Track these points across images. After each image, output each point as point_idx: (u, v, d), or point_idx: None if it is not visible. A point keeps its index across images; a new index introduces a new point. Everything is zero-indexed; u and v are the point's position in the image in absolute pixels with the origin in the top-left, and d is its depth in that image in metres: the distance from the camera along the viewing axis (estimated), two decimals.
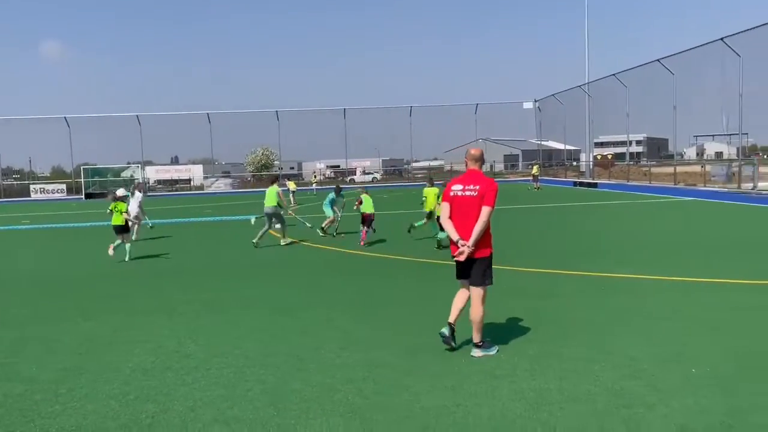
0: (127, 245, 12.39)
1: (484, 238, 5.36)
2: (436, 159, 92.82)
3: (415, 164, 69.67)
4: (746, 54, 25.60)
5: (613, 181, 38.49)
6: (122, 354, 5.90)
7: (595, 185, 36.49)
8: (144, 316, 7.47)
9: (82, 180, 47.65)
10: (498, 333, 6.11)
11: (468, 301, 5.56)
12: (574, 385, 4.67)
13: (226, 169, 75.01)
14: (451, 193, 5.49)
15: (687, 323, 6.28)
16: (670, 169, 35.02)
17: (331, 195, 16.17)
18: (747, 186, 26.25)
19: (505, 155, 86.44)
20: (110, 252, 12.20)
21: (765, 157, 52.95)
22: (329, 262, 11.30)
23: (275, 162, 60.81)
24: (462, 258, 5.31)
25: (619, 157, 54.43)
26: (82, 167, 49.64)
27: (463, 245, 5.29)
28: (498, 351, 5.54)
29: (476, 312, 5.44)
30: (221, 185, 52.98)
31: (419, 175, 59.13)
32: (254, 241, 13.71)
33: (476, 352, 5.49)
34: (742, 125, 26.76)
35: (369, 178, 61.09)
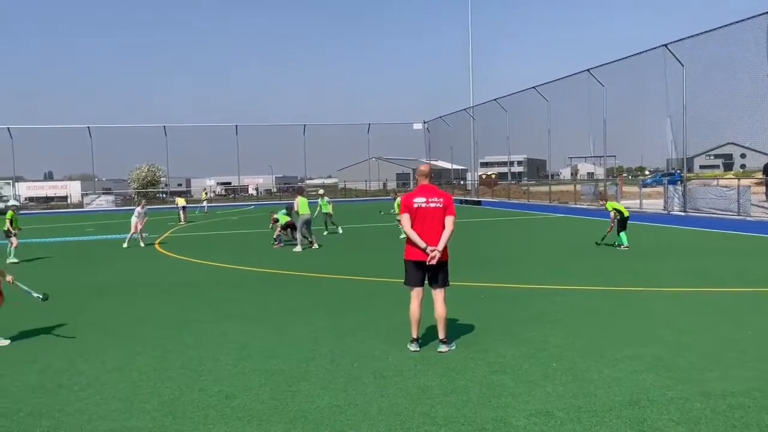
0: (11, 248, 14.72)
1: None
2: (330, 176, 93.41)
3: (309, 181, 69.77)
4: (609, 84, 28.32)
5: (495, 199, 40.77)
6: (8, 374, 5.76)
7: (479, 203, 38.53)
8: (28, 336, 7.23)
9: None
10: (388, 338, 6.59)
11: (421, 309, 6.15)
12: (453, 381, 5.21)
13: (108, 185, 71.24)
14: (415, 205, 6.03)
15: (551, 325, 7.07)
16: (547, 188, 37.71)
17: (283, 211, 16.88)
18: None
19: (397, 173, 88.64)
20: None
21: (629, 177, 58.20)
22: (218, 278, 11.34)
23: (162, 178, 58.62)
24: (434, 262, 5.91)
25: (502, 176, 57.61)
26: None
27: (432, 250, 5.89)
28: (455, 347, 6.15)
29: (444, 310, 6.11)
30: (102, 202, 50.21)
31: (313, 192, 59.33)
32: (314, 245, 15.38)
33: (443, 348, 6.06)
34: (606, 148, 29.47)
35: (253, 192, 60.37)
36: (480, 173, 51.38)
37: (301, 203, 15.45)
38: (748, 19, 19.64)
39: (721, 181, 29.60)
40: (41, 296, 7.47)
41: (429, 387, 5.10)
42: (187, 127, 53.69)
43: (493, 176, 56.31)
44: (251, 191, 68.28)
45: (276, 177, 76.41)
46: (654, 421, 4.24)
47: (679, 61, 22.78)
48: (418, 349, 6.15)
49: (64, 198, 55.17)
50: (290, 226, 16.29)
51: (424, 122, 56.20)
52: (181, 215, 28.11)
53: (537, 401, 4.70)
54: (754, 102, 20.04)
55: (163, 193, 59.00)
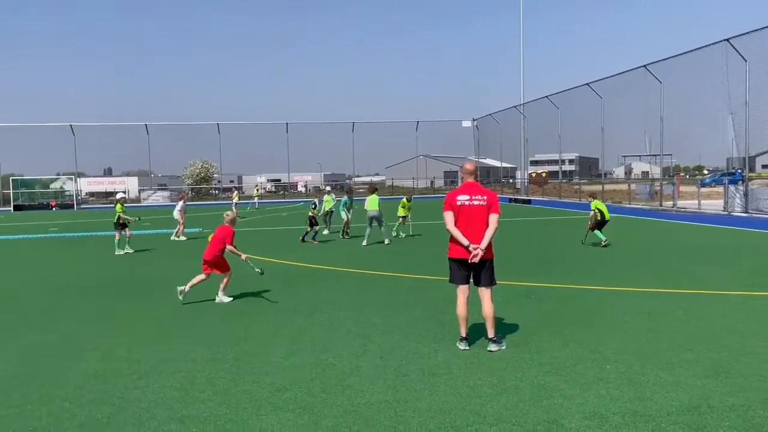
0: (125, 239, 15.36)
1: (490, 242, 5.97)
2: (377, 174, 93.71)
3: (357, 179, 70.18)
4: (667, 80, 27.45)
5: (546, 198, 40.12)
6: (71, 361, 6.02)
7: (528, 201, 37.94)
8: (91, 325, 7.55)
9: (11, 191, 45.72)
10: (438, 336, 6.57)
11: (468, 307, 6.12)
12: (503, 381, 5.16)
13: (163, 181, 73.42)
14: (458, 203, 6.03)
15: (604, 327, 6.91)
16: (600, 187, 36.84)
17: (345, 199, 17.87)
18: (668, 204, 28.01)
19: (444, 172, 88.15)
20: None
21: (686, 176, 56.31)
22: (269, 272, 11.52)
23: (215, 175, 60.02)
24: (477, 260, 5.88)
25: (553, 175, 56.59)
26: (10, 178, 47.62)
27: (475, 248, 5.86)
28: (505, 347, 6.08)
29: (491, 309, 6.06)
30: (158, 198, 51.83)
31: (361, 190, 59.67)
32: (364, 244, 15.73)
33: (493, 347, 6.01)
34: (662, 147, 28.59)
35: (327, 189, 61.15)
36: (530, 171, 50.60)
37: (371, 201, 16.39)
38: None
39: None
40: (260, 271, 9.23)
41: (479, 386, 5.06)
42: (240, 125, 54.84)
43: (544, 175, 55.40)
44: (300, 188, 69.12)
45: (324, 174, 77.18)
46: (714, 428, 4.10)
47: (742, 57, 21.89)
48: (467, 347, 6.11)
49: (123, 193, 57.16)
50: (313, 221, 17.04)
51: (473, 120, 55.74)
52: (234, 211, 28.71)
53: (590, 404, 4.60)
54: None
55: (215, 189, 60.42)
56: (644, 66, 28.37)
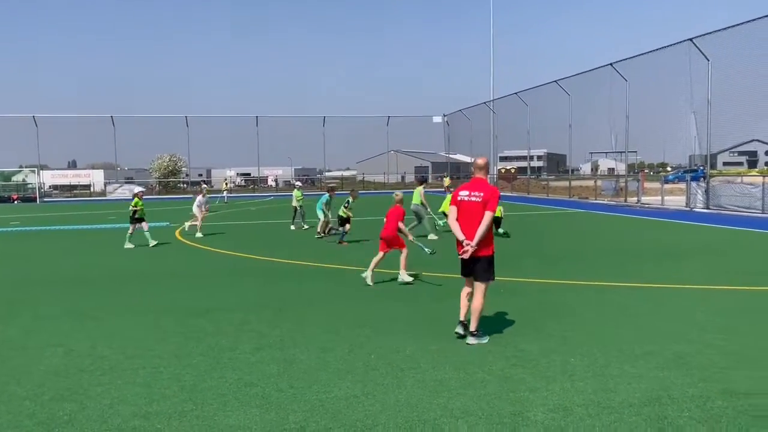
0: (146, 233, 15.20)
1: (487, 239, 6.02)
2: (348, 169, 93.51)
3: (328, 173, 69.92)
4: (632, 79, 27.96)
5: (514, 194, 40.56)
6: (33, 358, 5.87)
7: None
8: (53, 320, 7.37)
9: None
10: (407, 331, 6.60)
11: (471, 297, 6.21)
12: (470, 374, 5.21)
13: (130, 174, 72.07)
14: (459, 198, 6.15)
15: (570, 321, 7.02)
16: (567, 183, 37.40)
17: (325, 197, 17.04)
18: (632, 200, 28.57)
19: (415, 167, 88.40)
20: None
21: (651, 173, 57.51)
22: (238, 267, 11.42)
23: (183, 168, 59.15)
24: (466, 256, 5.98)
25: (522, 171, 57.26)
26: None
27: (467, 244, 5.94)
28: (488, 341, 6.15)
29: (478, 303, 6.10)
30: (125, 191, 50.85)
31: (332, 185, 59.51)
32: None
33: (471, 340, 6.07)
34: (628, 144, 29.13)
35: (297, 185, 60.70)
36: (499, 167, 51.05)
37: (415, 193, 16.26)
38: None
39: (745, 179, 29.14)
40: (431, 251, 9.70)
41: (446, 380, 5.09)
42: (209, 117, 54.16)
43: (513, 171, 55.96)
44: (270, 182, 68.60)
45: (295, 168, 76.73)
46: (674, 419, 4.20)
47: (705, 56, 22.41)
48: (462, 332, 6.20)
49: (87, 186, 55.86)
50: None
51: (444, 115, 56.00)
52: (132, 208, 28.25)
53: (555, 396, 4.67)
54: None
55: (184, 182, 59.56)
56: (611, 64, 28.84)
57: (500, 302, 8.06)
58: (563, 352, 5.79)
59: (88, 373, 5.41)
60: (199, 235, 17.28)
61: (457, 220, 6.11)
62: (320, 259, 12.20)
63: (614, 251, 13.10)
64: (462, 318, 6.35)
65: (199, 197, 18.01)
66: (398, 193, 10.04)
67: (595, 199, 31.72)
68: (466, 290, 6.34)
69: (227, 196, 38.54)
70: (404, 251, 9.60)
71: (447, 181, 38.43)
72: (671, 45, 24.83)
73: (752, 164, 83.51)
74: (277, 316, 7.47)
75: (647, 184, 32.69)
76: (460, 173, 66.91)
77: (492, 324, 6.86)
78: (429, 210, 16.20)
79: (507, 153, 65.32)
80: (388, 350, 5.95)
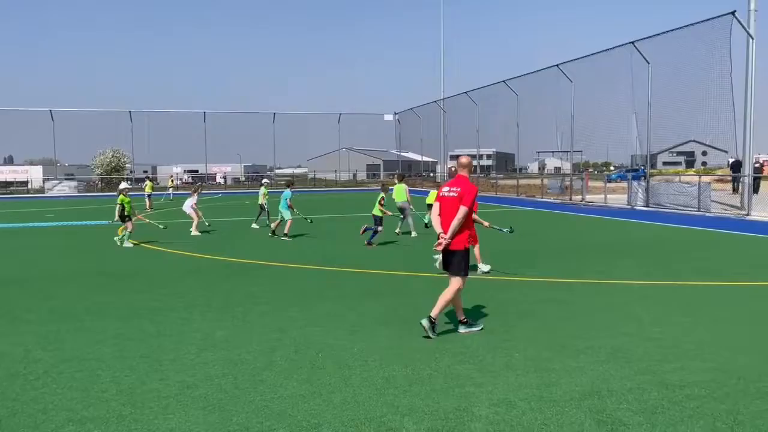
0: (126, 233, 14.37)
1: (462, 234, 6.20)
2: (300, 166, 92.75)
3: (278, 171, 69.17)
4: (577, 80, 28.69)
5: None
6: None
7: None
8: None
9: None
10: (355, 329, 6.58)
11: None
12: (417, 371, 5.23)
13: (70, 171, 69.55)
14: (441, 194, 6.41)
15: (516, 316, 7.14)
16: (515, 182, 38.12)
17: (287, 193, 15.60)
18: (577, 198, 29.35)
19: (367, 165, 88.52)
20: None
21: (595, 172, 59.19)
22: (182, 266, 11.16)
23: (127, 165, 57.40)
24: (440, 248, 6.24)
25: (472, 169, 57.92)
26: None
27: (442, 237, 6.17)
28: (482, 328, 6.45)
29: (448, 293, 6.28)
30: (65, 188, 49.01)
31: (282, 182, 58.92)
32: (398, 231, 15.68)
33: (425, 322, 6.21)
34: (573, 143, 29.90)
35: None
36: (449, 166, 51.63)
37: (398, 190, 15.76)
38: (711, 19, 20.08)
39: (683, 178, 30.35)
40: (509, 230, 10.47)
41: (394, 377, 5.10)
42: (155, 113, 52.69)
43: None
44: (219, 179, 67.36)
45: (245, 165, 75.58)
46: (613, 411, 4.32)
47: (645, 59, 23.20)
48: (467, 330, 6.38)
49: (25, 183, 53.63)
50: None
51: (395, 113, 56.19)
52: (147, 202, 27.59)
53: (499, 391, 4.74)
54: (716, 101, 20.53)
55: (128, 179, 57.81)
56: (557, 65, 29.51)
57: None
58: (508, 347, 5.88)
59: (20, 377, 5.17)
60: (195, 233, 16.64)
61: (438, 215, 6.35)
62: (270, 257, 12.05)
63: (559, 248, 13.42)
64: (461, 318, 6.47)
65: (195, 196, 17.65)
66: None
67: (542, 198, 32.44)
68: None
69: (173, 193, 37.64)
70: (476, 245, 10.02)
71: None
72: (614, 48, 25.60)
73: (690, 164, 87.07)
74: (222, 315, 7.33)
75: (591, 183, 33.68)
76: (411, 171, 67.31)
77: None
78: (412, 207, 16.10)
79: (457, 152, 66.11)
80: (336, 348, 5.91)
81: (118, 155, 56.74)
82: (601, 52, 26.58)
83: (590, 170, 54.89)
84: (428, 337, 6.17)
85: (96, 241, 15.92)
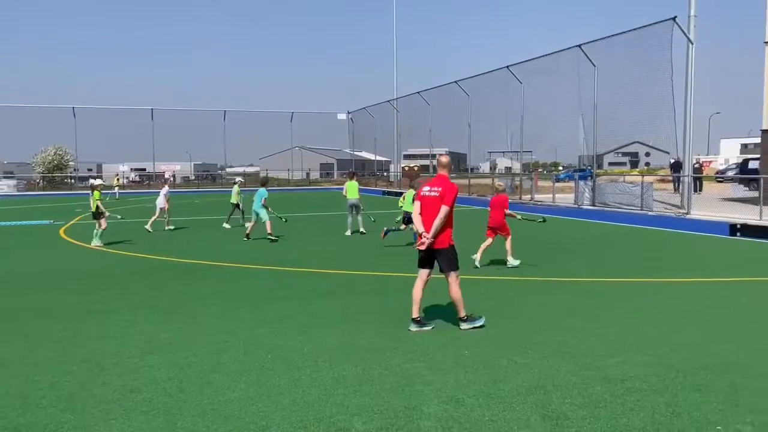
0: (99, 231, 13.81)
1: (444, 232, 6.30)
2: (252, 165, 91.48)
3: (229, 169, 68.04)
4: (527, 82, 29.23)
5: None
6: None
7: (401, 194, 38.90)
8: None
9: None
10: (306, 329, 6.52)
11: (424, 291, 6.53)
12: (367, 371, 5.22)
13: (9, 169, 66.72)
14: (422, 193, 6.49)
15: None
16: (467, 181, 38.59)
17: (262, 191, 14.75)
18: (527, 197, 29.93)
19: (321, 163, 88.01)
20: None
21: (544, 172, 60.52)
22: (128, 267, 10.86)
23: (70, 163, 55.39)
24: (423, 247, 6.31)
25: (425, 169, 58.42)
26: None
27: (424, 236, 6.24)
28: (483, 323, 6.49)
29: (455, 292, 6.39)
30: (4, 187, 46.95)
31: (234, 181, 58.02)
32: (349, 229, 15.63)
33: (464, 326, 6.41)
34: (523, 144, 30.47)
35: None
36: (403, 165, 51.87)
37: (350, 187, 15.72)
38: (653, 24, 20.78)
39: (627, 178, 31.33)
40: (542, 219, 11.75)
41: (344, 377, 5.08)
42: (99, 109, 51.01)
43: (416, 168, 57.04)
44: (167, 178, 65.78)
45: (195, 164, 74.04)
46: (558, 405, 4.41)
47: (592, 62, 23.82)
48: (418, 329, 6.37)
49: None
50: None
51: (348, 113, 56.05)
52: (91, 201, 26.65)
53: (448, 388, 4.78)
54: (658, 103, 21.26)
55: (71, 178, 55.85)
56: (507, 67, 29.99)
57: (397, 298, 8.16)
58: (457, 345, 5.93)
59: None
60: (169, 228, 16.76)
61: (420, 214, 6.40)
62: (221, 258, 11.83)
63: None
64: (415, 315, 6.47)
65: (166, 188, 17.47)
66: (501, 183, 11.08)
67: (456, 198, 32.86)
68: (419, 285, 6.51)
69: (118, 192, 36.56)
70: (509, 238, 10.53)
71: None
72: (561, 50, 26.19)
73: (634, 164, 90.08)
74: (168, 317, 7.16)
75: (540, 183, 34.38)
76: (364, 170, 67.31)
77: (390, 321, 6.93)
78: (362, 206, 16.16)
79: (411, 151, 66.48)
80: (286, 349, 5.85)
81: (60, 153, 54.71)
82: (549, 54, 27.16)
83: (539, 170, 56.12)
84: (479, 327, 6.42)
85: (36, 241, 15.31)
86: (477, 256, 10.35)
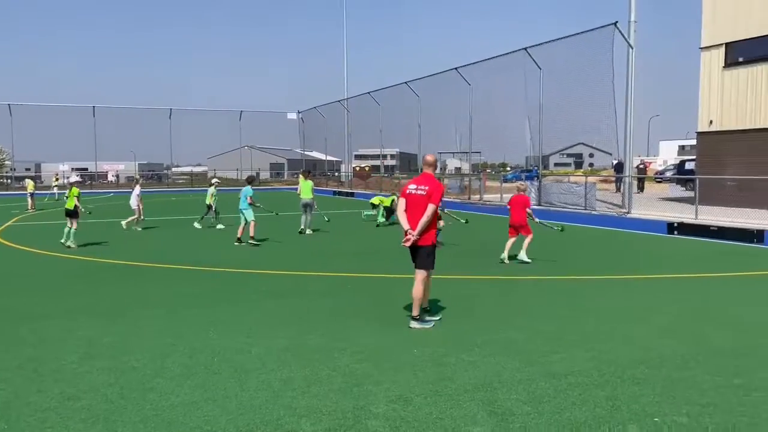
0: (72, 230, 13.18)
1: (430, 230, 6.41)
2: (199, 165, 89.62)
3: (176, 169, 66.47)
4: (475, 83, 29.66)
5: (368, 191, 41.33)
6: None
7: (352, 194, 38.88)
8: None
9: None
10: (254, 331, 6.43)
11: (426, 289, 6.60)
12: (316, 372, 5.19)
13: None
14: (407, 191, 6.58)
15: (410, 313, 7.25)
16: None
17: (247, 190, 13.90)
18: (476, 197, 30.37)
19: (271, 163, 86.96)
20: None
21: (492, 173, 61.53)
22: (66, 269, 10.46)
23: (6, 162, 53.03)
24: (408, 244, 6.43)
25: (376, 169, 58.54)
26: None
27: (410, 233, 6.33)
28: (434, 325, 6.54)
29: (417, 290, 6.49)
30: None
31: (180, 181, 56.68)
32: (303, 228, 15.54)
33: (413, 324, 6.47)
34: (471, 145, 30.91)
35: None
36: (354, 165, 51.86)
37: (304, 186, 15.57)
38: (595, 29, 21.41)
39: (572, 178, 32.20)
40: (560, 228, 12.32)
41: (292, 379, 5.03)
42: (38, 107, 48.97)
43: (367, 169, 56.98)
44: (111, 178, 63.68)
45: (139, 164, 72.01)
46: (504, 401, 4.49)
47: (537, 65, 24.36)
48: (418, 326, 6.47)
49: None
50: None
51: (299, 112, 55.61)
52: (29, 202, 25.61)
53: (397, 388, 4.80)
54: (600, 106, 21.92)
55: (7, 178, 53.43)
56: (455, 68, 30.36)
57: (347, 298, 8.16)
58: (407, 344, 5.96)
59: None
60: (138, 229, 16.39)
61: (405, 211, 6.50)
62: (169, 260, 11.53)
63: (455, 246, 13.80)
64: (415, 313, 6.58)
65: (138, 188, 17.15)
66: (523, 183, 11.63)
67: (444, 197, 33.25)
68: (416, 281, 6.58)
69: (57, 193, 35.20)
70: (529, 237, 10.85)
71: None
72: (508, 53, 26.68)
73: (578, 165, 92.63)
74: (109, 321, 6.93)
75: (489, 183, 34.92)
76: (315, 171, 66.88)
77: (339, 321, 6.91)
78: (316, 206, 16.12)
79: (362, 151, 66.46)
80: (233, 352, 5.76)
81: None
82: (497, 57, 27.62)
83: (488, 171, 56.98)
84: (428, 328, 6.46)
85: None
86: (504, 254, 10.85)
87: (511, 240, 11.00)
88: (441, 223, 10.78)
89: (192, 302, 7.93)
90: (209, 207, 17.71)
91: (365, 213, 16.79)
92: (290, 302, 7.90)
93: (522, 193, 11.30)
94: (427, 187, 6.46)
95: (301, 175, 16.67)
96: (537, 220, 11.21)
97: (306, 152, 62.17)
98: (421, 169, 6.99)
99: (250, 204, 13.67)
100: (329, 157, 56.78)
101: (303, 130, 56.60)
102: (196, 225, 17.52)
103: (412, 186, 6.61)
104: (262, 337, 6.24)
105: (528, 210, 10.98)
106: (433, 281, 9.47)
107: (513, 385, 4.84)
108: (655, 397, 4.58)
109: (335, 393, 4.70)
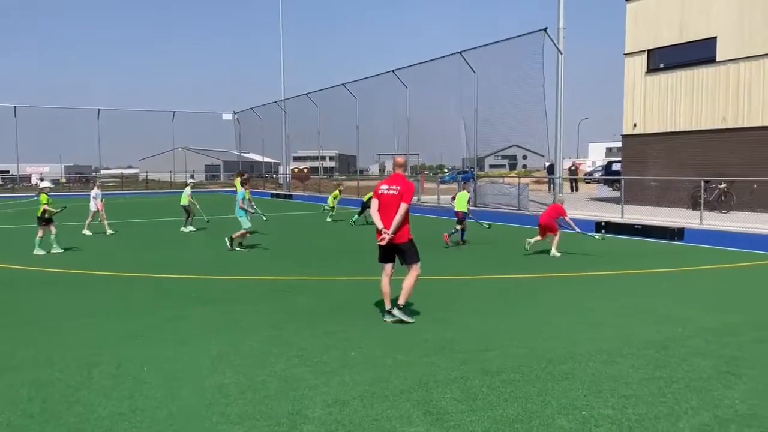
0: (53, 236, 12.75)
1: (403, 227, 6.71)
2: (130, 167, 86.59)
3: (105, 171, 64.00)
4: (412, 86, 29.97)
5: (307, 193, 41.07)
6: None
7: (290, 197, 38.50)
8: None
9: None
10: (185, 338, 6.26)
11: (391, 284, 6.87)
12: (251, 377, 5.10)
13: None
14: (380, 192, 6.83)
15: (353, 315, 7.26)
16: (356, 183, 38.87)
17: (242, 193, 13.22)
18: (414, 199, 30.71)
19: (206, 165, 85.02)
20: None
21: (430, 174, 62.30)
22: None
23: None
24: (384, 243, 6.67)
25: (315, 171, 58.19)
26: None
27: (385, 233, 6.60)
28: (414, 322, 6.72)
29: (410, 281, 6.78)
30: None
31: (110, 184, 54.57)
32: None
33: (396, 312, 6.71)
34: (409, 147, 31.21)
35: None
36: (292, 167, 51.34)
37: (239, 187, 15.15)
38: (527, 34, 22.06)
39: (506, 179, 32.98)
40: (596, 235, 13.53)
41: (226, 385, 4.93)
42: None
43: (305, 170, 56.57)
44: (35, 181, 60.67)
45: (66, 166, 68.95)
46: (439, 401, 4.55)
47: (472, 69, 24.86)
48: (393, 318, 6.72)
49: None
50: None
51: (234, 113, 54.62)
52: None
53: (333, 391, 4.78)
54: (533, 109, 22.58)
55: None
56: (392, 71, 30.59)
57: (285, 301, 8.07)
58: (343, 347, 5.95)
59: None
60: (110, 232, 15.99)
61: (378, 211, 6.75)
62: (96, 266, 11.07)
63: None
64: (388, 307, 6.80)
65: (95, 190, 16.63)
66: (561, 195, 12.60)
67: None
68: (385, 280, 6.86)
69: None
70: (557, 236, 11.99)
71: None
72: (444, 57, 27.11)
73: (512, 167, 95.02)
74: (29, 332, 6.59)
75: (426, 184, 35.34)
76: (252, 172, 65.84)
77: (275, 325, 6.82)
78: (254, 206, 15.66)
79: (300, 153, 65.90)
80: (164, 360, 5.59)
81: None
82: (432, 60, 28.02)
83: (426, 172, 57.64)
84: (407, 322, 6.66)
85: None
86: (531, 241, 12.03)
87: (537, 237, 12.13)
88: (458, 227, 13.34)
89: (119, 311, 7.65)
90: (185, 209, 17.20)
91: (354, 218, 17.95)
92: (224, 308, 7.74)
93: (558, 202, 12.77)
94: (398, 187, 6.74)
95: (236, 176, 16.45)
96: (577, 229, 12.72)
97: (243, 153, 61.09)
98: (391, 172, 7.43)
99: (242, 208, 12.99)
100: (267, 159, 56.04)
101: (239, 131, 55.61)
102: (183, 229, 17.07)
103: (384, 186, 6.86)
104: (195, 344, 6.09)
105: (564, 217, 12.19)
106: (359, 283, 9.53)
107: (448, 383, 4.90)
108: (583, 390, 4.75)
109: (270, 398, 4.64)
